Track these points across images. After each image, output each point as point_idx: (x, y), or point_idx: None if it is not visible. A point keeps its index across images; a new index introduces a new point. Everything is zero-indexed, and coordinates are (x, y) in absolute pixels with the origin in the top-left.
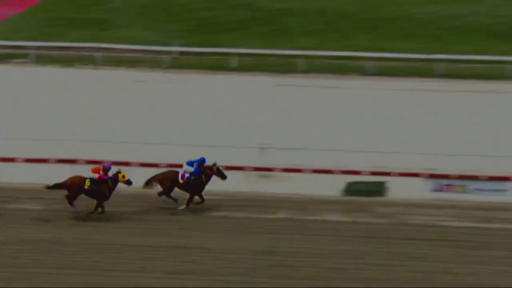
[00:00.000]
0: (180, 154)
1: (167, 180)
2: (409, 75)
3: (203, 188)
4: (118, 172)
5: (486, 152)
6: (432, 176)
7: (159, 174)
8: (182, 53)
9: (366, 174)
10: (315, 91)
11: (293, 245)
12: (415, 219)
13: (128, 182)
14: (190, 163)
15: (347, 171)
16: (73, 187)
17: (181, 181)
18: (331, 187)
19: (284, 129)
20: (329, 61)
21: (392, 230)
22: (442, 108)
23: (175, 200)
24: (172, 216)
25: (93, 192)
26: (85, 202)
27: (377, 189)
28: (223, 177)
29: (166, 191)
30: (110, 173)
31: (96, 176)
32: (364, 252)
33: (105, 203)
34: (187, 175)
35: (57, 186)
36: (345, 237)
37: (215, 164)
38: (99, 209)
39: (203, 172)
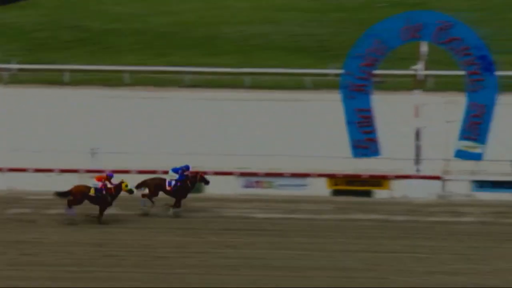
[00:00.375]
0: (26, 160)
1: (154, 185)
2: (222, 86)
3: (188, 193)
4: (122, 182)
5: (289, 152)
6: (243, 174)
7: (148, 180)
8: (20, 70)
9: None
10: (140, 101)
11: (122, 238)
12: (229, 212)
13: (130, 191)
14: (175, 170)
15: (167, 172)
16: (78, 195)
17: (168, 188)
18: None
19: (113, 136)
20: (151, 75)
21: (209, 222)
22: (251, 115)
23: (153, 202)
24: (12, 214)
25: (97, 199)
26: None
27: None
28: (207, 182)
29: (151, 195)
30: (112, 181)
31: (99, 184)
32: (185, 242)
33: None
34: (173, 182)
35: (64, 194)
36: (168, 229)
37: (198, 172)
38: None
39: (188, 178)
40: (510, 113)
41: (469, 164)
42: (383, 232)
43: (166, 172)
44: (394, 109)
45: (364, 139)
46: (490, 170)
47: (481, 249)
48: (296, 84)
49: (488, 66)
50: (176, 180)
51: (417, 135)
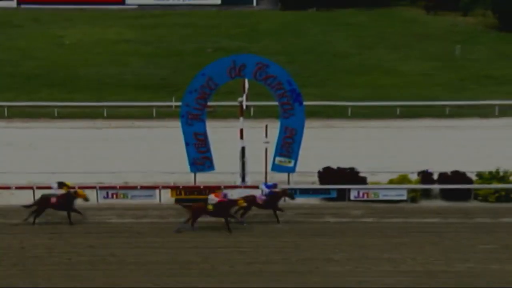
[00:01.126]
0: None
1: (248, 201)
2: (83, 117)
3: (275, 206)
4: (238, 199)
5: (139, 169)
6: (102, 188)
7: (243, 197)
8: None
9: (56, 189)
10: (16, 131)
11: (1, 242)
12: (91, 218)
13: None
14: (267, 186)
15: (42, 187)
16: (196, 211)
17: (260, 201)
18: (31, 198)
19: None
20: (26, 109)
21: (74, 227)
22: (108, 140)
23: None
24: None
25: (216, 213)
26: None
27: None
28: (292, 198)
29: (246, 210)
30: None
31: (217, 200)
32: (53, 244)
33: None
34: (263, 197)
35: (186, 207)
36: (39, 234)
37: (287, 189)
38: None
39: (276, 193)
40: (313, 134)
41: (284, 176)
42: (215, 232)
43: (40, 188)
44: (224, 132)
45: (200, 157)
46: (300, 180)
47: (293, 243)
48: (143, 114)
49: (296, 98)
50: (265, 195)
51: (242, 153)
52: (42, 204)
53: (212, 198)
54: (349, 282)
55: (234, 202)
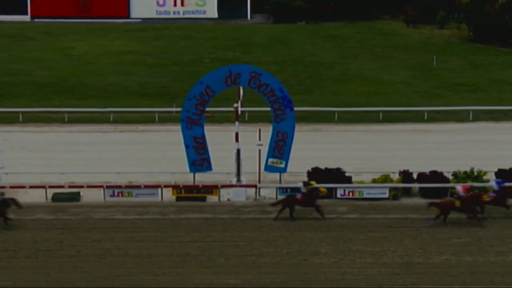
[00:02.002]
0: None
1: (444, 204)
2: (91, 122)
3: (505, 202)
4: (479, 193)
5: (143, 169)
6: (109, 187)
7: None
8: None
9: (66, 187)
10: (30, 135)
11: (16, 236)
12: (98, 214)
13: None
14: (497, 182)
15: (53, 186)
16: (445, 207)
17: (489, 198)
18: (43, 196)
19: (11, 159)
20: (38, 114)
21: (82, 223)
22: (114, 142)
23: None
24: None
25: (462, 208)
26: None
27: (74, 197)
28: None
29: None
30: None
31: (463, 193)
32: (63, 238)
33: None
34: (491, 193)
35: (433, 205)
36: (51, 229)
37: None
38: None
39: (503, 190)
40: (303, 138)
41: (275, 176)
42: (211, 227)
43: (52, 187)
44: (221, 136)
45: (199, 159)
46: (290, 180)
47: (283, 237)
48: (146, 119)
49: (287, 104)
50: (494, 191)
51: (238, 154)
52: (289, 201)
53: (460, 190)
54: (335, 273)
55: (479, 198)
